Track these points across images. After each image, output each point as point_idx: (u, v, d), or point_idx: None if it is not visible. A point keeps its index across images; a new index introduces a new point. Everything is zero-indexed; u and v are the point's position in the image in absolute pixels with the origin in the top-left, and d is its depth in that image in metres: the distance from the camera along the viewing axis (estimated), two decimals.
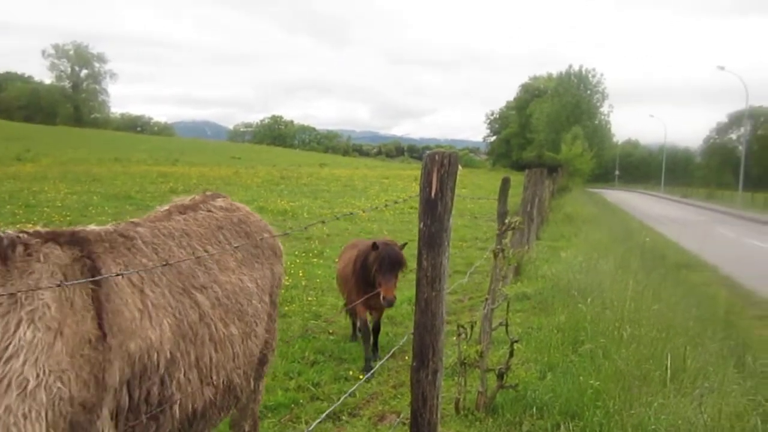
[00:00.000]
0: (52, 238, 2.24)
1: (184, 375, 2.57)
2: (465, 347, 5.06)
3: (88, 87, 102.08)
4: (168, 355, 2.48)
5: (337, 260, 7.45)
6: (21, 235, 2.17)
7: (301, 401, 5.48)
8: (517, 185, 12.35)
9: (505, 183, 8.04)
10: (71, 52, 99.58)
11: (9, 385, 1.88)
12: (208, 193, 3.65)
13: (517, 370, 5.57)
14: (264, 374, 3.66)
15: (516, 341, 5.26)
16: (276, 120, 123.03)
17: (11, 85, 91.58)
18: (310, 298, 8.62)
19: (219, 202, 3.52)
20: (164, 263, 2.65)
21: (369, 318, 6.73)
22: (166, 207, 3.35)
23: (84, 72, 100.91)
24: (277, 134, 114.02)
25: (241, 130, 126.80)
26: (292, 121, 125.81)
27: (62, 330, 2.03)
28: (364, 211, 16.75)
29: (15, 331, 1.93)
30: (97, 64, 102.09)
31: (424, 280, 3.33)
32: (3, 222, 13.07)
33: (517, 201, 12.11)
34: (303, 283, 9.43)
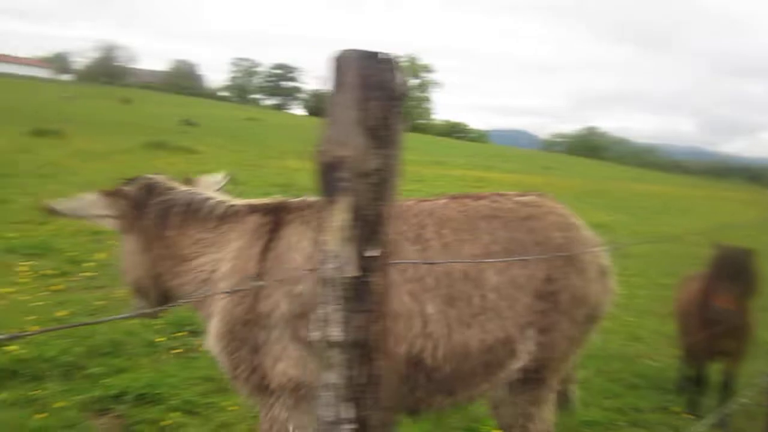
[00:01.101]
0: (259, 209, 3.05)
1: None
2: None
3: (417, 95, 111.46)
4: None
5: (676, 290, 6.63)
6: (241, 207, 3.10)
7: (620, 423, 5.22)
8: None
9: None
10: (407, 64, 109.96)
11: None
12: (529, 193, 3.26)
13: None
14: (543, 398, 3.10)
15: None
16: (591, 131, 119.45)
17: None
18: (630, 319, 8.15)
19: (525, 198, 3.12)
20: None
21: (718, 365, 5.57)
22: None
23: (415, 81, 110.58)
24: (591, 146, 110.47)
25: (555, 140, 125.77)
26: (607, 133, 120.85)
27: (234, 262, 2.93)
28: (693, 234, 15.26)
29: (216, 253, 3.02)
30: (424, 74, 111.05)
31: None
32: None
33: None
34: (624, 302, 8.94)
